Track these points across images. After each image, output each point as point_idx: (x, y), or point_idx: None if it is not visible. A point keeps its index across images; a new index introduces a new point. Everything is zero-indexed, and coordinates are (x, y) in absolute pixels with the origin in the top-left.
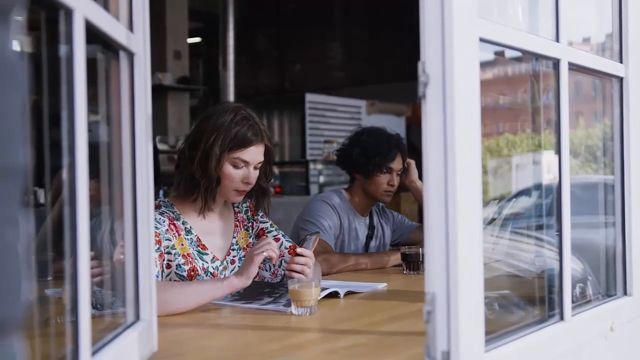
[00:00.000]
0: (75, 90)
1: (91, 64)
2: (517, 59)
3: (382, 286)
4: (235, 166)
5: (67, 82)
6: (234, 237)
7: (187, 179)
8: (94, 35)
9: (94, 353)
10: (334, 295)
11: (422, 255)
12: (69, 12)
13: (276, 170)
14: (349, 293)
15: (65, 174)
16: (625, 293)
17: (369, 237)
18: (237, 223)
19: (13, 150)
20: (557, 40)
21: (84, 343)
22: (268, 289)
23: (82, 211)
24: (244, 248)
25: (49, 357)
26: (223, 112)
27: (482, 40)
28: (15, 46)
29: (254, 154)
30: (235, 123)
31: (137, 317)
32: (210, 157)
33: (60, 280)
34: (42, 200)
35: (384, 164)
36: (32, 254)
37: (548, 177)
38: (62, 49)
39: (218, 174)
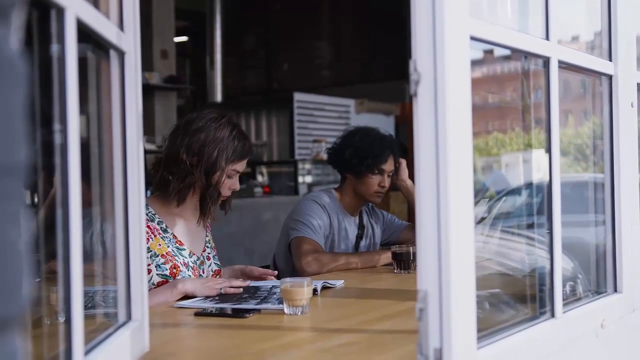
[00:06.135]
0: (67, 89)
1: (81, 63)
2: (506, 57)
3: (339, 283)
4: (229, 176)
5: (59, 81)
6: (207, 236)
7: (187, 187)
8: (84, 34)
9: (87, 353)
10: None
11: (413, 254)
12: (60, 11)
13: (264, 170)
14: (325, 288)
15: (57, 175)
16: (615, 290)
17: (359, 237)
18: (207, 224)
19: (15, 148)
20: (547, 38)
21: (76, 343)
22: (249, 294)
23: (74, 211)
24: (214, 247)
25: (41, 357)
26: (220, 126)
27: (473, 38)
28: (16, 45)
29: (245, 164)
30: (234, 137)
31: (129, 317)
32: (215, 170)
33: (50, 282)
34: (28, 201)
35: (376, 165)
36: (32, 251)
37: (538, 176)
38: (54, 48)
39: (220, 186)
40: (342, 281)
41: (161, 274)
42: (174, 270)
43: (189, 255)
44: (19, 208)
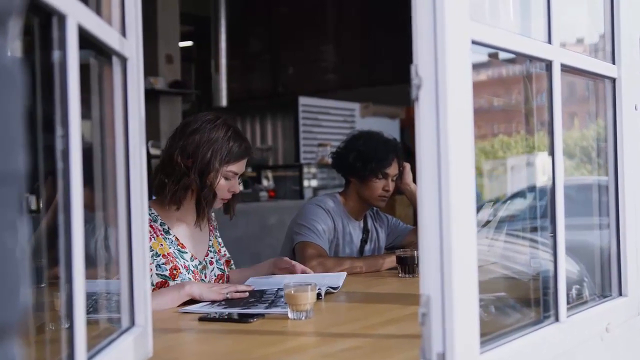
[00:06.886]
0: (68, 95)
1: (84, 69)
2: (511, 61)
3: (343, 276)
4: (226, 178)
5: (61, 87)
6: (210, 240)
7: (183, 189)
8: (86, 40)
9: (90, 358)
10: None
11: (417, 258)
12: (62, 18)
13: (270, 174)
14: (328, 293)
15: (59, 180)
16: (620, 294)
17: (364, 241)
18: (211, 228)
19: (13, 156)
20: (550, 42)
21: (79, 349)
22: (255, 298)
23: (76, 217)
24: (217, 251)
25: None
26: (214, 127)
27: (474, 42)
28: (14, 52)
29: (243, 166)
30: (229, 138)
31: (132, 323)
32: (209, 171)
33: (54, 287)
34: (33, 206)
35: (380, 169)
36: (30, 259)
37: (543, 179)
38: (55, 54)
39: (215, 187)
40: (344, 273)
41: (161, 274)
42: (174, 272)
43: (191, 258)
44: (17, 215)
